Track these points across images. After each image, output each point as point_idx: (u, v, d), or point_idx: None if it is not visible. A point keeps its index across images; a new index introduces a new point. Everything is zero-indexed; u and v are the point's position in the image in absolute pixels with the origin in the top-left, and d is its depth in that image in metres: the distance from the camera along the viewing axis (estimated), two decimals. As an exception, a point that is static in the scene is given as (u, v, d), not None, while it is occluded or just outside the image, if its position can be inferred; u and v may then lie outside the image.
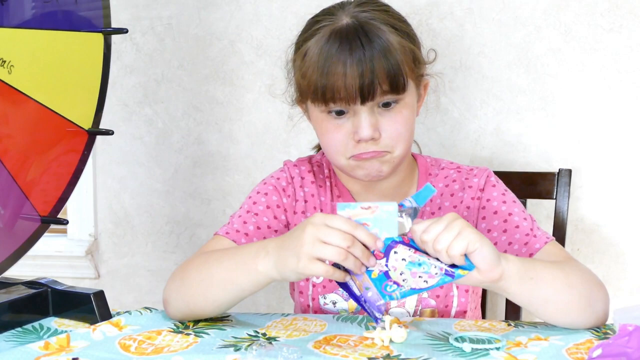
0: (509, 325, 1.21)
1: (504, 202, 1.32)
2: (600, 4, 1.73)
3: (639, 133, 1.76)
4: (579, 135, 1.78)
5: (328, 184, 1.38)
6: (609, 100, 1.76)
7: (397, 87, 1.22)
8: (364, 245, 1.07)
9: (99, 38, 1.35)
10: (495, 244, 1.27)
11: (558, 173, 1.65)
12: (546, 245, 1.26)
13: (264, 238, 1.30)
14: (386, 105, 1.24)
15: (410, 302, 1.32)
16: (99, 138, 1.38)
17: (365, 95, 1.21)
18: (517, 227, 1.28)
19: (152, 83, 1.90)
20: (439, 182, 1.36)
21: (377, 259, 1.08)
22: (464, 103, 1.79)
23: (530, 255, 1.26)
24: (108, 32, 1.35)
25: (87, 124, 1.35)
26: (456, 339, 1.14)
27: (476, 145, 1.81)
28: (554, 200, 1.65)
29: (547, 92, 1.77)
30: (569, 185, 1.64)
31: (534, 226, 1.29)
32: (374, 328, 1.15)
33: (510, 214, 1.30)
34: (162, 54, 1.89)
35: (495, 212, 1.31)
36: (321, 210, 1.36)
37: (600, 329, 1.17)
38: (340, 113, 1.24)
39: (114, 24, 1.37)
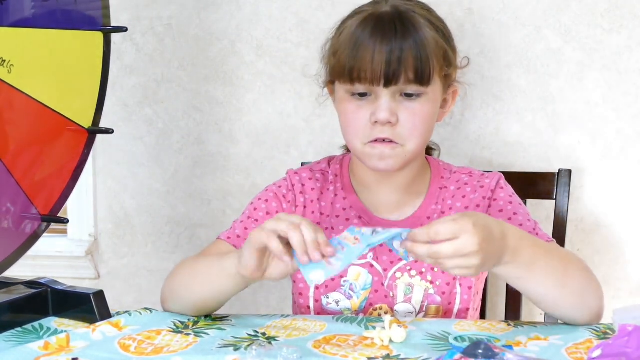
0: (509, 325, 1.21)
1: (510, 202, 1.34)
2: (600, 4, 1.72)
3: (639, 133, 1.76)
4: (579, 135, 1.78)
5: (332, 188, 1.39)
6: (609, 100, 1.76)
7: (422, 77, 1.23)
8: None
9: (98, 37, 1.35)
10: None
11: (558, 173, 1.65)
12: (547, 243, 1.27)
13: None
14: (409, 96, 1.25)
15: (417, 298, 1.33)
16: (99, 138, 1.38)
17: (389, 77, 1.22)
18: (521, 225, 1.30)
19: (152, 83, 1.90)
20: (451, 185, 1.37)
21: None
22: (464, 103, 1.79)
23: None
24: (108, 30, 1.36)
25: (87, 123, 1.35)
26: (456, 339, 1.14)
27: (476, 145, 1.81)
28: (554, 201, 1.65)
29: (547, 92, 1.77)
30: (569, 185, 1.64)
31: (536, 227, 1.31)
32: (374, 328, 1.15)
33: (515, 214, 1.32)
34: (162, 54, 1.89)
35: (501, 211, 1.33)
36: (321, 214, 1.37)
37: (600, 329, 1.17)
38: (363, 95, 1.25)
39: (114, 24, 1.37)
